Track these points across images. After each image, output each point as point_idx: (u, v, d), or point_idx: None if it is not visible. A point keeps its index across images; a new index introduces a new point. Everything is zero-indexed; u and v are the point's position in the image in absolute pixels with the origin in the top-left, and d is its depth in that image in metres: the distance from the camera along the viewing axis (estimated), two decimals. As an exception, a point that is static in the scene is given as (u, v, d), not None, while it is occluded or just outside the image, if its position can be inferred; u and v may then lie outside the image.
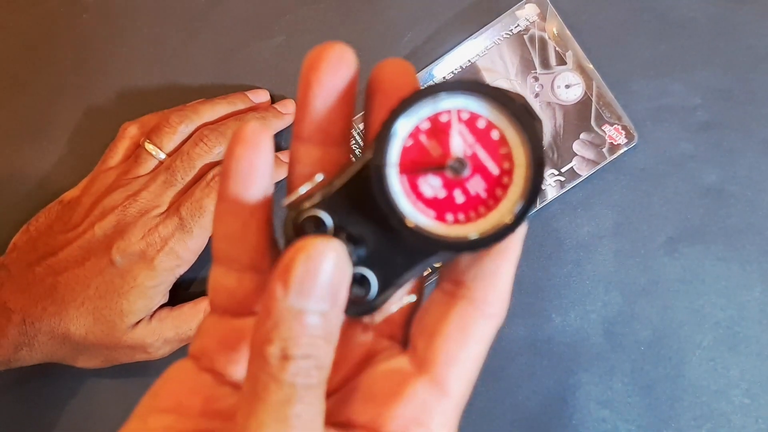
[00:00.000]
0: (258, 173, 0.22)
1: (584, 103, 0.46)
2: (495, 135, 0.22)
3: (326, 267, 0.20)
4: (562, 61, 0.46)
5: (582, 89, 0.46)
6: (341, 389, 0.24)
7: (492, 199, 0.22)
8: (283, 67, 0.48)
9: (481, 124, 0.22)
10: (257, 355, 0.20)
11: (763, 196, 0.45)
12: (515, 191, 0.22)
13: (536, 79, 0.46)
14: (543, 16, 0.46)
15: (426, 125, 0.22)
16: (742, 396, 0.44)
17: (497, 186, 0.22)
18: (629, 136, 0.45)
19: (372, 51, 0.48)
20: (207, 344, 0.25)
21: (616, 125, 0.45)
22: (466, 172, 0.22)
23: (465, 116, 0.22)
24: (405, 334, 0.25)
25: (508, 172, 0.22)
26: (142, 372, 0.45)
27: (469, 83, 0.22)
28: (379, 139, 0.22)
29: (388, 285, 0.23)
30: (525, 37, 0.46)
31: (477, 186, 0.22)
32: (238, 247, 0.24)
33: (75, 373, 0.45)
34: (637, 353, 0.44)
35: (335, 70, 0.22)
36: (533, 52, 0.46)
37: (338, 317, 0.21)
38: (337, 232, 0.23)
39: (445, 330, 0.23)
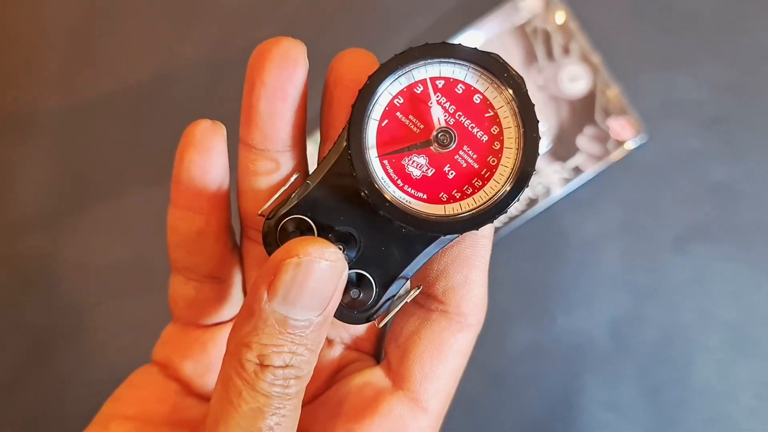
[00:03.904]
0: (210, 178, 0.21)
1: (589, 97, 0.44)
2: (477, 99, 0.21)
3: (317, 275, 0.18)
4: (566, 54, 0.45)
5: (587, 83, 0.45)
6: (312, 402, 0.23)
7: (486, 169, 0.21)
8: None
9: (459, 89, 0.21)
10: (233, 357, 0.19)
11: (774, 193, 0.44)
12: (510, 155, 0.20)
13: (540, 72, 0.45)
14: (547, 7, 0.45)
15: (400, 101, 0.21)
16: (750, 398, 0.43)
17: (489, 153, 0.21)
18: (636, 131, 0.44)
19: (370, 42, 0.46)
20: (171, 354, 0.24)
21: (621, 120, 0.44)
22: (453, 144, 0.20)
23: (440, 84, 0.21)
24: (375, 346, 0.24)
25: (498, 137, 0.21)
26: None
27: (438, 48, 0.20)
28: (352, 123, 0.20)
29: (388, 283, 0.21)
30: (528, 28, 0.45)
31: (467, 157, 0.21)
32: (195, 256, 0.23)
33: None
34: (644, 355, 0.43)
35: (281, 69, 0.20)
36: (537, 45, 0.45)
37: (326, 325, 0.19)
38: (322, 234, 0.21)
39: (420, 345, 0.22)
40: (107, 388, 0.45)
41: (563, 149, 0.44)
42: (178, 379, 0.24)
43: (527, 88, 0.20)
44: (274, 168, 0.22)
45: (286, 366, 0.19)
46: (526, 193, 0.44)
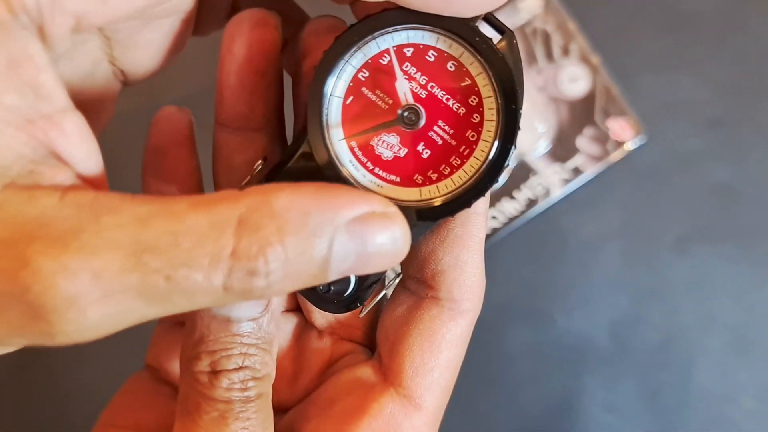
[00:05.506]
0: (179, 164, 0.20)
1: (589, 98, 0.44)
2: (451, 66, 0.18)
3: None
4: (566, 55, 0.45)
5: (587, 83, 0.44)
6: (305, 399, 0.22)
7: (464, 145, 0.18)
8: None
9: (430, 56, 0.18)
10: (186, 375, 0.18)
11: (774, 194, 0.44)
12: (491, 129, 0.18)
13: (540, 73, 0.45)
14: (546, 8, 0.45)
15: (365, 74, 0.19)
16: (750, 401, 0.42)
17: (467, 127, 0.18)
18: (636, 132, 0.44)
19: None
20: (159, 356, 0.23)
21: (621, 121, 0.44)
22: (422, 122, 0.18)
23: (409, 52, 0.19)
24: (368, 335, 0.23)
25: (477, 108, 0.18)
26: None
27: (399, 14, 0.18)
28: (312, 104, 0.18)
29: None
30: (528, 29, 0.45)
31: (442, 133, 0.19)
32: None
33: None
34: (644, 357, 0.43)
35: (252, 41, 0.19)
36: (536, 46, 0.45)
37: (273, 319, 0.19)
38: None
39: (410, 337, 0.20)
40: (106, 394, 0.45)
41: (563, 150, 0.44)
42: (168, 382, 0.23)
43: (515, 42, 0.18)
44: (246, 148, 0.20)
45: (241, 368, 0.18)
46: (526, 194, 0.44)
